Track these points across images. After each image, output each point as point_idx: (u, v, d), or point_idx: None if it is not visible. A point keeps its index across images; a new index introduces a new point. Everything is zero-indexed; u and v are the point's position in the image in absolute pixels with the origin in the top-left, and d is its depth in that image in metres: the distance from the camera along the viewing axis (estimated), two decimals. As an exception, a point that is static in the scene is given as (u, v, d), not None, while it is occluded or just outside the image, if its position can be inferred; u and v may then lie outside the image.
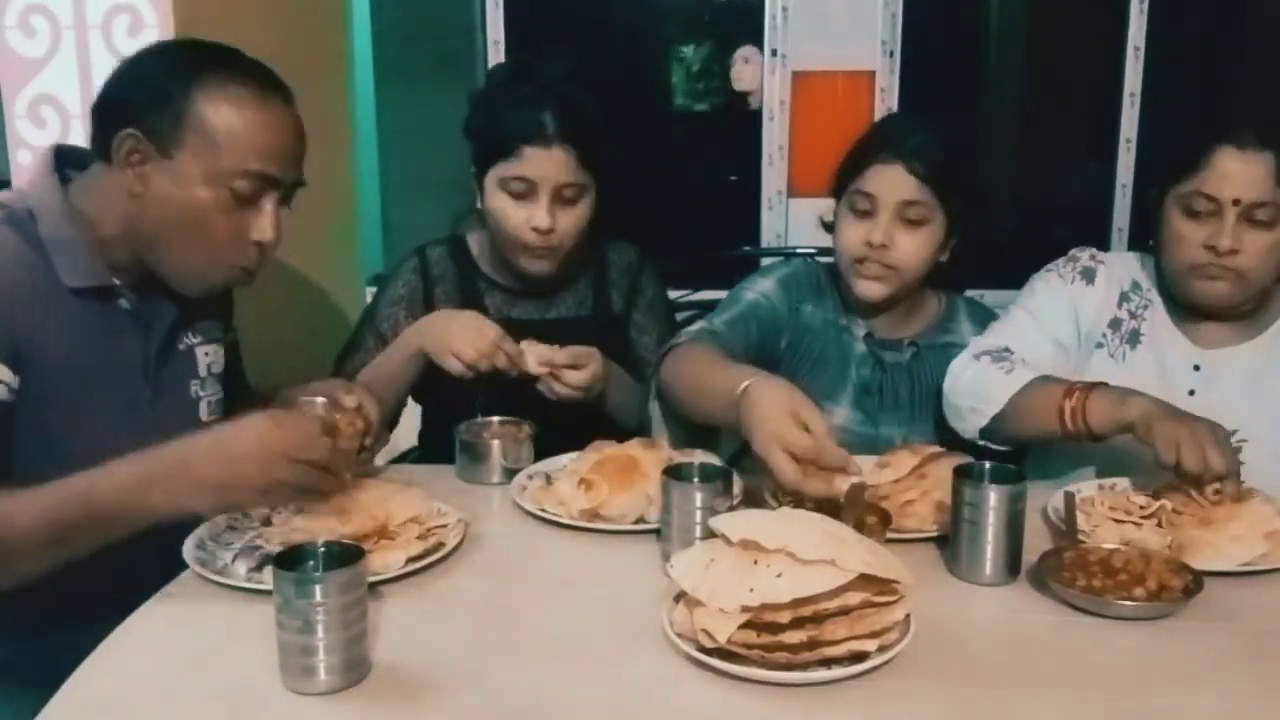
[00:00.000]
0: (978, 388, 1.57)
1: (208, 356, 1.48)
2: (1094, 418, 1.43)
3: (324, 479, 1.22)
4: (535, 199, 1.68)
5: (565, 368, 1.64)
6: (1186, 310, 1.64)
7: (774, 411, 1.27)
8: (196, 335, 1.46)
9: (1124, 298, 1.69)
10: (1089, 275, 1.70)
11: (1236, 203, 1.52)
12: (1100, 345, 1.67)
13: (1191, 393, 1.61)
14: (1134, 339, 1.66)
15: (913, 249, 1.65)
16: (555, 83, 1.70)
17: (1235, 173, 1.52)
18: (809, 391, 1.34)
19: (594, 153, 1.69)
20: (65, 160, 1.37)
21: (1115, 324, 1.67)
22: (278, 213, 1.34)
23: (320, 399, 1.41)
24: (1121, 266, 1.72)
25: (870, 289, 1.68)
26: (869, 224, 1.65)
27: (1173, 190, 1.58)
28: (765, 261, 3.20)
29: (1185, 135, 1.67)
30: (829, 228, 1.75)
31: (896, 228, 1.64)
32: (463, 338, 1.62)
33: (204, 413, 1.46)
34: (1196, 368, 1.63)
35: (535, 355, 1.64)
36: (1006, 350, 1.62)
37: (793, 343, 1.74)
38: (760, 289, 1.75)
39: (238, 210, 1.30)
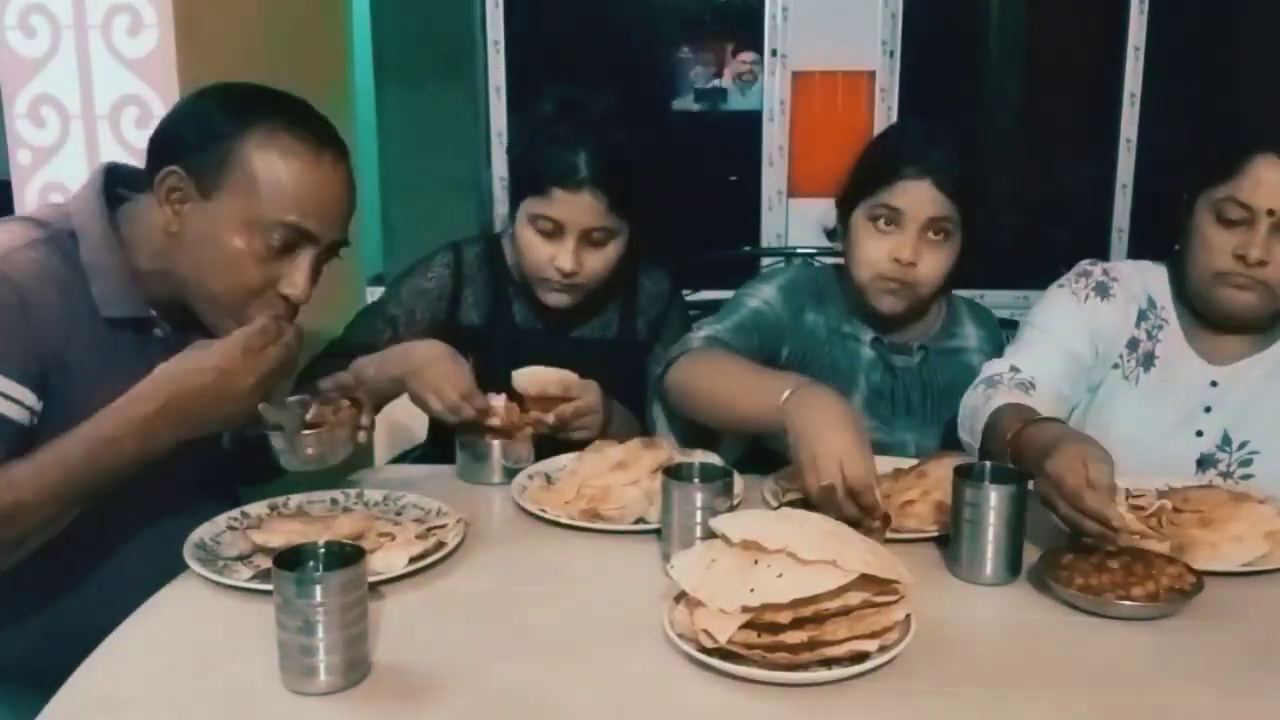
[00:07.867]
0: (967, 420, 1.53)
1: None
2: (1025, 454, 1.32)
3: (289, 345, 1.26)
4: (562, 239, 1.66)
5: (560, 400, 1.61)
6: (1204, 324, 1.62)
7: (840, 422, 1.29)
8: None
9: (1141, 316, 1.65)
10: (1103, 291, 1.65)
11: (1271, 213, 1.48)
12: (1116, 366, 1.63)
13: (1208, 409, 1.59)
14: (1148, 362, 1.63)
15: (936, 265, 1.63)
16: (594, 124, 1.66)
17: (1272, 182, 1.48)
18: None
19: (627, 197, 1.66)
20: (118, 178, 1.35)
21: (1133, 344, 1.64)
22: (313, 269, 1.29)
23: (305, 396, 1.40)
24: (1137, 280, 1.68)
25: (891, 303, 1.65)
26: (895, 239, 1.61)
27: (1205, 193, 1.54)
28: (765, 262, 3.24)
29: (1211, 138, 1.63)
30: (832, 235, 1.73)
31: (922, 243, 1.61)
32: (435, 389, 1.55)
33: (225, 439, 1.45)
34: (1214, 384, 1.61)
35: (502, 407, 1.58)
36: (1013, 370, 1.57)
37: (795, 351, 1.71)
38: (763, 296, 1.72)
39: (272, 260, 1.26)
